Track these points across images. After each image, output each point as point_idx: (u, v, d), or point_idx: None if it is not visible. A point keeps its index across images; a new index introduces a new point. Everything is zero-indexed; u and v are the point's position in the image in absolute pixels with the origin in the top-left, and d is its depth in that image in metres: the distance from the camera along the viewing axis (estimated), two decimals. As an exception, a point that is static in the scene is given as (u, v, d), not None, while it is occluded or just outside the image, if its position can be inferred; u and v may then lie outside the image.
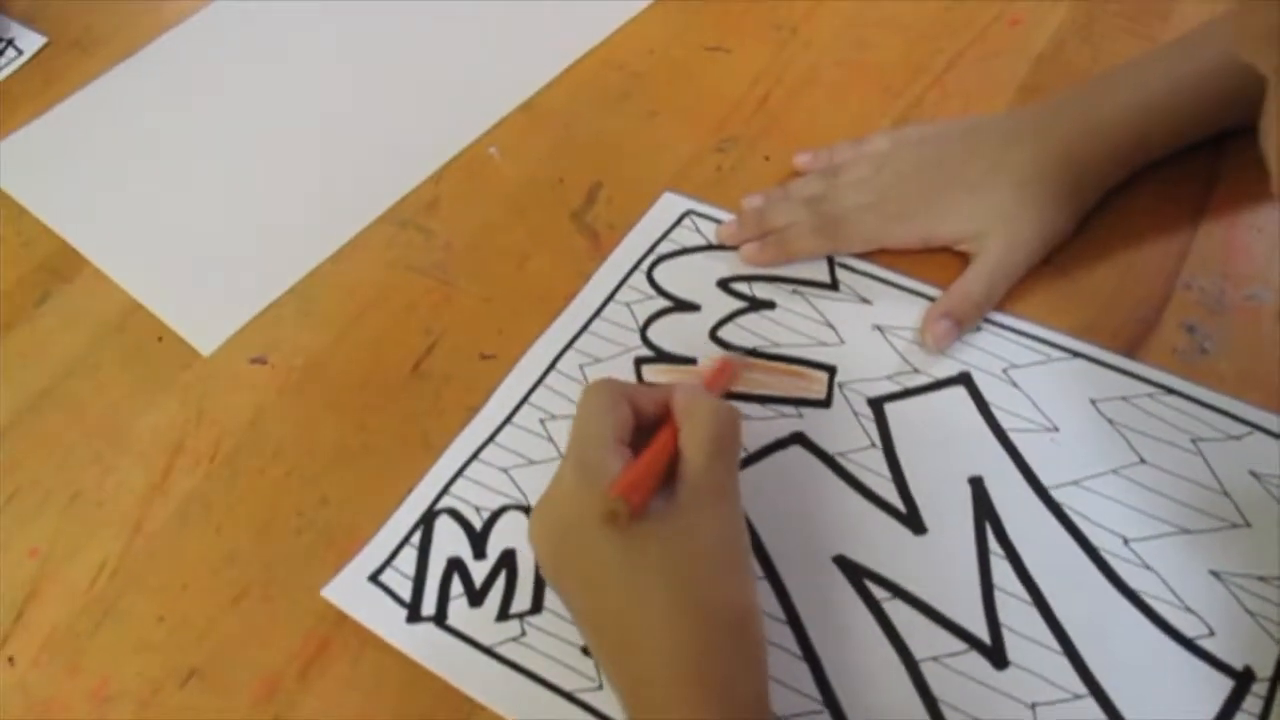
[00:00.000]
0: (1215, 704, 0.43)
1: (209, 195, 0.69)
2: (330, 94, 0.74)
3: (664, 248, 0.61)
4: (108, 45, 0.81)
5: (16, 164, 0.74)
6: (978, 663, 0.45)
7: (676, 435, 0.44)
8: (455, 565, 0.51)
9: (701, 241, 0.61)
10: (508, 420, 0.55)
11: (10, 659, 0.51)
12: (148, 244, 0.66)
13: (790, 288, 0.58)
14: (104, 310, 0.63)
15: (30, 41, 0.82)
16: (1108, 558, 0.47)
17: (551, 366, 0.57)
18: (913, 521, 0.49)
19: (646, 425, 0.46)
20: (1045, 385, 0.53)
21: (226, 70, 0.78)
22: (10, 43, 0.82)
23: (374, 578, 0.51)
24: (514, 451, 0.54)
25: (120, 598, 0.52)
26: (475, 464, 0.54)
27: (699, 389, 0.47)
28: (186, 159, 0.71)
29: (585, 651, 0.47)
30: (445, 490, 0.53)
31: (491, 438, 0.54)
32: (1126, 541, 0.47)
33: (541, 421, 0.55)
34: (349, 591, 0.50)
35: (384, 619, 0.49)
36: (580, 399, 0.46)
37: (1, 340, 0.64)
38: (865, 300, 0.57)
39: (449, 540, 0.51)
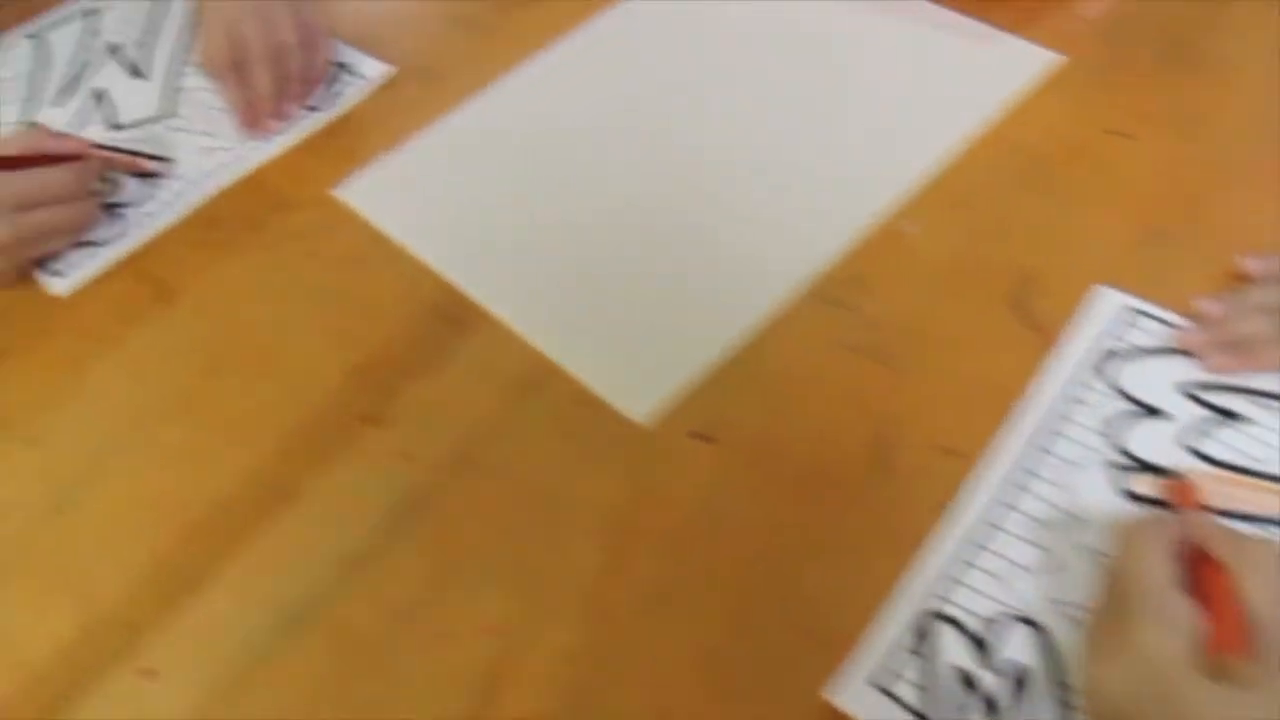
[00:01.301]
0: None
1: (613, 251, 0.67)
2: (723, 147, 0.72)
3: (1115, 346, 0.58)
4: (455, 77, 0.78)
5: (382, 196, 0.71)
6: None
7: (1232, 580, 0.43)
8: (963, 676, 0.48)
9: (1155, 343, 0.59)
10: (989, 523, 0.52)
11: (482, 746, 0.47)
12: (553, 298, 0.63)
13: (1257, 399, 0.55)
14: (515, 368, 0.61)
15: (374, 69, 0.79)
16: None
17: (1025, 468, 0.54)
18: None
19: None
20: None
21: (601, 111, 0.76)
22: (347, 68, 0.79)
23: (876, 682, 0.47)
24: (1004, 557, 0.51)
25: (595, 689, 0.49)
26: (964, 567, 0.51)
27: (1239, 531, 0.47)
28: (578, 207, 0.68)
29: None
30: (935, 593, 0.50)
31: (976, 541, 0.52)
32: None
33: (1028, 527, 0.52)
34: (853, 696, 0.48)
35: (898, 729, 0.46)
36: (1130, 538, 0.47)
37: (402, 392, 0.60)
38: (1343, 419, 0.54)
39: (951, 648, 0.49)
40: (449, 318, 0.63)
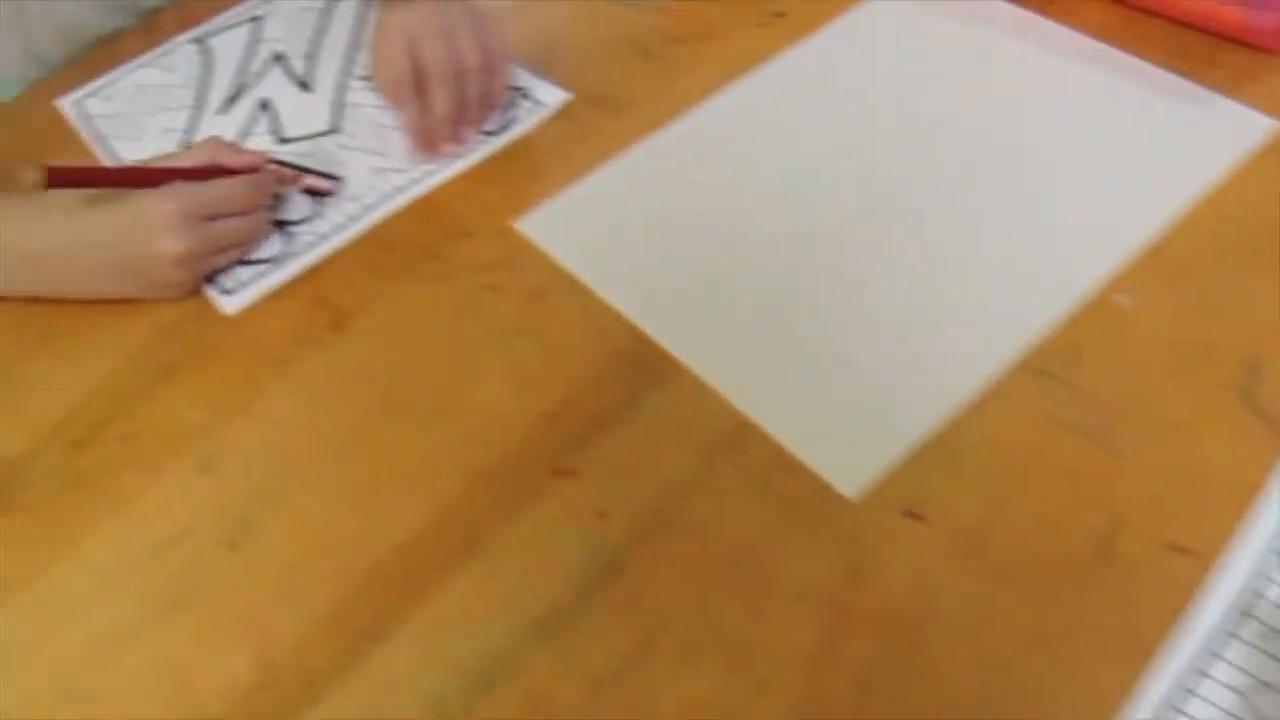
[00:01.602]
0: None
1: (813, 304, 0.64)
2: (929, 200, 0.69)
3: (1356, 447, 0.54)
4: (634, 107, 0.76)
5: (565, 230, 0.69)
6: None
7: None
8: (1206, 801, 0.44)
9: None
10: (1227, 632, 0.48)
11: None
12: (750, 353, 0.61)
13: None
14: (712, 424, 0.58)
15: (550, 95, 0.76)
16: None
17: (1263, 574, 0.50)
18: None
19: None
20: None
21: (795, 152, 0.73)
22: (523, 91, 0.77)
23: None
24: (1244, 670, 0.48)
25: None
26: (1199, 678, 0.47)
27: None
28: (775, 254, 0.65)
29: None
30: (1170, 704, 0.46)
31: (1211, 649, 0.48)
32: None
33: (1267, 638, 0.48)
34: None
35: None
36: None
37: (593, 443, 0.58)
38: None
39: (1191, 768, 0.45)
40: (640, 365, 0.61)
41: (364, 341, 0.65)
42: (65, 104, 0.83)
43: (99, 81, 0.84)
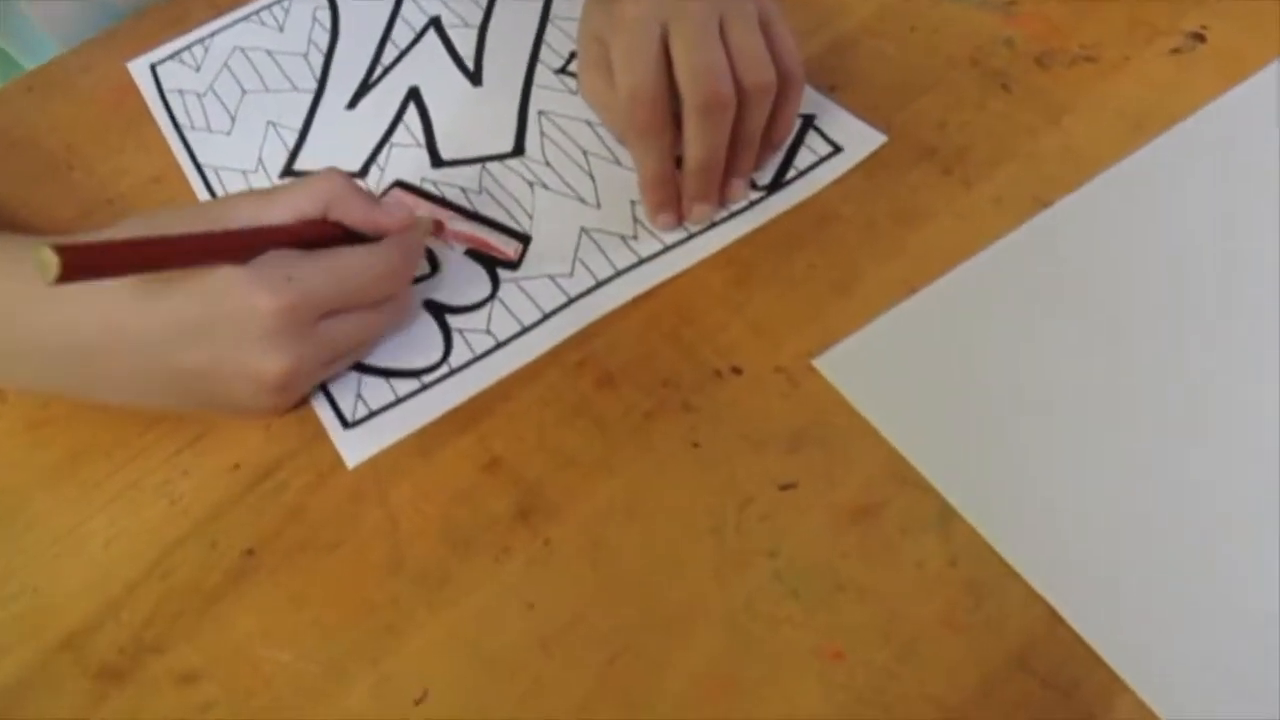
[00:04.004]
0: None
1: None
2: None
3: None
4: (988, 168, 0.48)
5: (896, 387, 0.43)
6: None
7: None
8: None
9: None
10: None
11: None
12: (1232, 682, 0.33)
13: None
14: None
15: (856, 134, 0.49)
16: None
17: None
18: None
19: None
20: None
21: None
22: (813, 124, 0.48)
23: None
24: None
25: None
26: None
27: None
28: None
29: None
30: None
31: None
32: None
33: None
34: None
35: None
36: None
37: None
38: None
39: None
40: (1057, 681, 0.35)
41: (572, 557, 0.39)
42: (136, 69, 0.57)
43: (185, 39, 0.59)
